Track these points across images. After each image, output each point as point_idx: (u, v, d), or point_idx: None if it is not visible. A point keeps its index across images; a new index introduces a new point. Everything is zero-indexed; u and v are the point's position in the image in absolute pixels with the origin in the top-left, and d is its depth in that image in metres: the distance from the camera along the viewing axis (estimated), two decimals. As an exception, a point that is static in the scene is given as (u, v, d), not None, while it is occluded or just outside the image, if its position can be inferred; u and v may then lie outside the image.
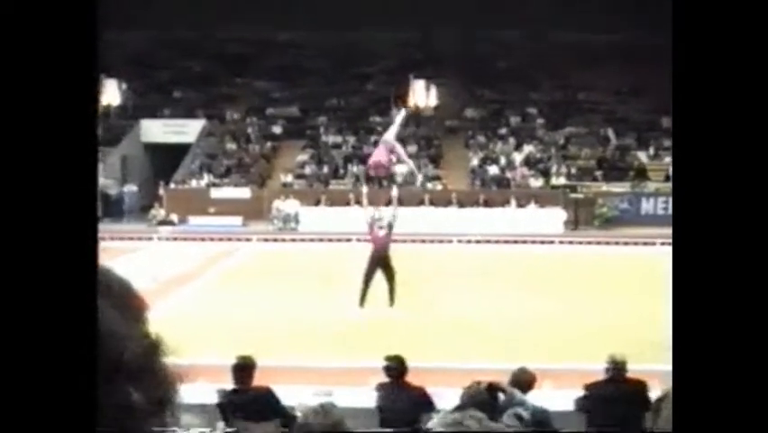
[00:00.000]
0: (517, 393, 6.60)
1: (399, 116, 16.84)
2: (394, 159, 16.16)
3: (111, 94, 34.68)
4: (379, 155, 15.80)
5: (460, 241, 25.80)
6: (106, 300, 0.87)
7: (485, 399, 5.98)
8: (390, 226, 15.01)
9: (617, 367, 7.55)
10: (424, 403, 7.53)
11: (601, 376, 7.68)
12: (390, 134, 16.02)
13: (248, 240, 26.35)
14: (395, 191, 15.87)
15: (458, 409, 4.83)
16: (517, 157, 33.21)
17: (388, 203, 16.53)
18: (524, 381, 7.07)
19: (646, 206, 29.92)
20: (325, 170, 32.88)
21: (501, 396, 6.45)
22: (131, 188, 32.53)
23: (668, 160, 31.55)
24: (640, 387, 7.32)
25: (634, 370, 7.67)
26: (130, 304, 0.91)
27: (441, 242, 25.64)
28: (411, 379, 7.78)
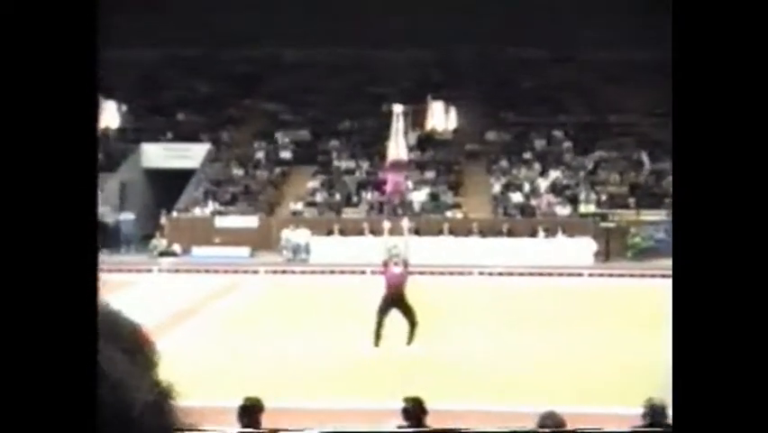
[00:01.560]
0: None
1: (400, 132, 16.24)
2: (410, 184, 16.14)
3: (110, 116, 34.99)
4: (396, 179, 15.75)
5: (481, 273, 25.73)
6: (116, 347, 0.87)
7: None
8: (406, 263, 14.88)
9: (655, 411, 7.43)
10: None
11: (638, 421, 7.56)
12: (403, 153, 15.94)
13: (255, 272, 26.39)
14: (406, 222, 15.78)
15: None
16: (543, 183, 33.18)
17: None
18: (553, 425, 6.96)
19: (683, 235, 29.71)
20: (338, 197, 32.94)
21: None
22: (127, 216, 32.54)
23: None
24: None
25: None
26: (140, 350, 0.91)
27: (461, 274, 25.57)
28: (432, 422, 7.70)
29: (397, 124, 16.04)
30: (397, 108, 16.21)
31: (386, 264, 14.86)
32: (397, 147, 15.85)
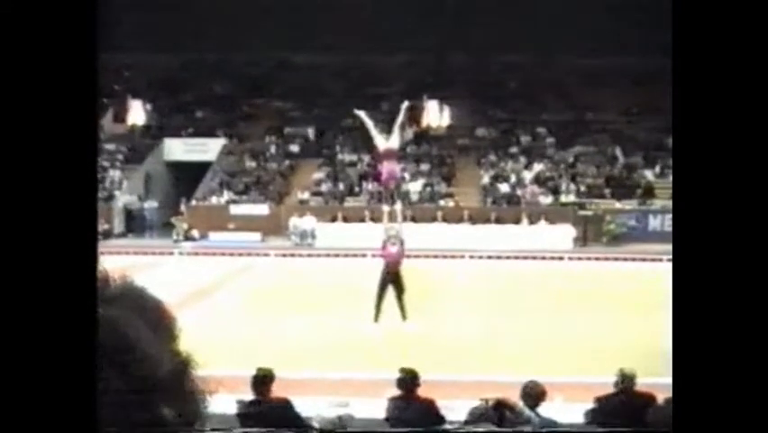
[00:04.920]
0: (526, 411, 6.50)
1: (397, 124, 16.15)
2: (407, 175, 16.05)
3: (136, 114, 34.95)
4: (391, 166, 15.71)
5: (472, 257, 25.73)
6: (141, 319, 0.87)
7: (491, 417, 5.88)
8: (402, 243, 14.92)
9: (625, 380, 7.49)
10: (432, 415, 7.46)
11: (611, 389, 7.61)
12: (395, 142, 15.93)
13: (266, 255, 26.37)
14: (399, 205, 15.76)
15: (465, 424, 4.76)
16: (528, 175, 33.15)
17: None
18: (534, 394, 7.00)
19: (654, 223, 29.76)
20: (341, 187, 32.90)
21: (508, 414, 6.34)
22: (151, 204, 32.69)
23: (674, 178, 31.46)
24: (649, 400, 7.24)
25: (642, 383, 7.60)
26: (163, 322, 0.91)
27: (453, 258, 25.58)
28: (423, 391, 7.71)
29: (365, 122, 16.17)
30: (361, 114, 16.59)
31: (384, 244, 14.93)
32: (388, 138, 15.85)
